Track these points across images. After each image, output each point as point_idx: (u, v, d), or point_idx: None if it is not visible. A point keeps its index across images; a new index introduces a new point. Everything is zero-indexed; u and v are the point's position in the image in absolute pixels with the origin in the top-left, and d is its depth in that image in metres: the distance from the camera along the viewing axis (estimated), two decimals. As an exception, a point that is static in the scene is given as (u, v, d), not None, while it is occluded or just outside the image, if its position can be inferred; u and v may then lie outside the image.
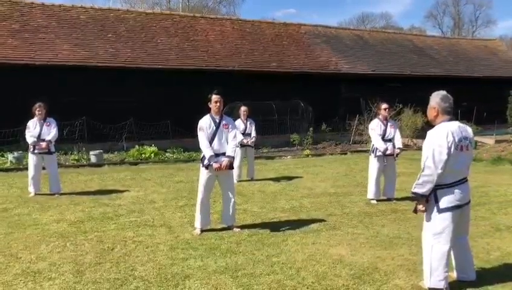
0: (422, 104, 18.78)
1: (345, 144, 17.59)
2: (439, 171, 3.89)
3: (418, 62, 22.14)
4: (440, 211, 4.02)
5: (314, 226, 6.40)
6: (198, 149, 15.64)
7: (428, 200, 4.06)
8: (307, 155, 15.07)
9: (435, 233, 4.05)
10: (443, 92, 4.14)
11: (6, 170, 11.36)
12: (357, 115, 18.05)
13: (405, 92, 18.66)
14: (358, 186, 9.41)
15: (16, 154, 11.96)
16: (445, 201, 4.00)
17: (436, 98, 4.10)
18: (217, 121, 5.90)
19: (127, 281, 4.37)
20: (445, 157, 3.87)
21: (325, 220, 6.69)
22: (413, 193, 4.08)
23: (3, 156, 12.65)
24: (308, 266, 4.76)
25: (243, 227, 6.25)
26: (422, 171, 3.97)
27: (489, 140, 17.31)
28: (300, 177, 10.72)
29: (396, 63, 21.36)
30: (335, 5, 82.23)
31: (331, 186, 9.42)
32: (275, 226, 6.36)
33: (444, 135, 3.92)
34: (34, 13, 16.22)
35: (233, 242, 5.56)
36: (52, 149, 8.54)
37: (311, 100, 17.52)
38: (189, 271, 4.62)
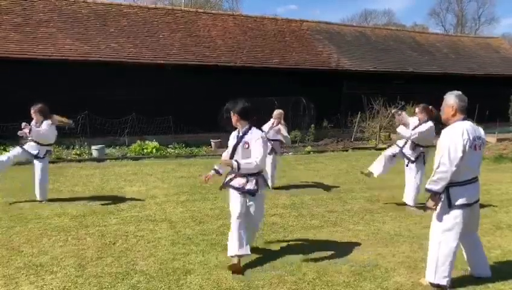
0: (424, 102, 18.80)
1: (347, 141, 17.57)
2: (454, 168, 3.94)
3: (421, 59, 22.07)
4: (451, 208, 4.07)
5: (315, 222, 6.41)
6: (199, 145, 15.66)
7: (441, 197, 4.11)
8: (309, 152, 15.08)
9: (445, 230, 4.09)
10: (458, 92, 4.21)
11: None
12: (359, 112, 18.03)
13: (407, 89, 18.64)
14: (359, 183, 9.40)
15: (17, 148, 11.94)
16: (457, 199, 4.06)
17: (453, 97, 4.16)
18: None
19: (128, 276, 4.39)
20: (460, 154, 3.93)
21: (326, 217, 6.70)
22: (428, 189, 4.12)
23: (6, 150, 12.65)
24: (309, 261, 4.78)
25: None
26: (437, 168, 4.02)
27: (491, 138, 17.26)
28: (302, 173, 10.72)
29: (398, 60, 21.30)
30: (337, 1, 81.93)
31: (332, 183, 9.41)
32: (276, 222, 6.37)
33: (459, 133, 3.98)
34: (36, 7, 16.19)
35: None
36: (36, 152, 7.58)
37: (313, 97, 17.47)
38: (191, 266, 4.64)
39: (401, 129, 7.29)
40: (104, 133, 14.64)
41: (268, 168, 8.38)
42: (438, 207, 4.14)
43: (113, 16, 17.37)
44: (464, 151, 3.93)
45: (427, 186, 4.12)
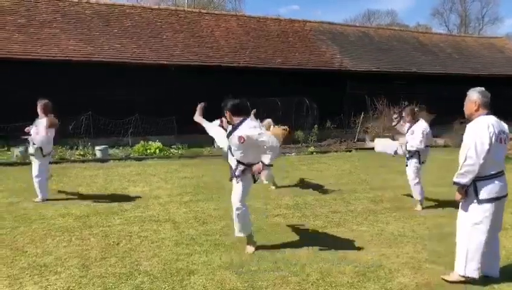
0: (427, 102, 18.68)
1: (350, 142, 17.55)
2: (481, 161, 4.01)
3: (424, 60, 22.03)
4: (480, 202, 4.13)
5: (318, 223, 6.40)
6: (202, 145, 15.66)
7: (467, 191, 4.15)
8: (312, 152, 15.06)
9: (474, 223, 4.15)
10: (481, 88, 4.29)
11: (12, 164, 11.41)
12: (362, 113, 18.00)
13: (410, 90, 18.61)
14: (362, 184, 9.39)
15: (21, 148, 11.99)
16: (485, 192, 4.11)
17: (476, 93, 4.24)
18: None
19: (132, 276, 4.39)
20: (487, 147, 3.99)
21: (329, 217, 6.69)
22: (455, 182, 4.17)
23: (9, 151, 12.71)
24: (312, 262, 4.77)
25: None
26: (464, 161, 4.07)
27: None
28: (305, 174, 10.71)
29: (401, 61, 21.27)
30: (339, 2, 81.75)
31: (335, 184, 9.40)
32: (279, 223, 6.37)
33: (485, 126, 4.05)
34: (39, 8, 16.24)
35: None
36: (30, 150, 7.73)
37: (316, 97, 17.46)
38: (194, 266, 4.64)
39: (412, 145, 7.25)
40: (107, 134, 14.67)
41: None
42: (464, 200, 4.20)
43: (116, 16, 17.42)
44: (490, 144, 4.00)
45: (455, 179, 4.17)
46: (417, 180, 7.27)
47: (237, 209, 5.02)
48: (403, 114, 7.67)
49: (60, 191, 8.25)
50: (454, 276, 4.27)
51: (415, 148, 7.18)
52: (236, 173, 5.03)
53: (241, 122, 4.97)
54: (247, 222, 5.18)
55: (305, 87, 17.50)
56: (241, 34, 19.18)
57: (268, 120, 8.94)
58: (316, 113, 17.59)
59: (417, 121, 7.34)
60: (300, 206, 7.36)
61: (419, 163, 7.29)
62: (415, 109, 7.61)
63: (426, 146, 7.27)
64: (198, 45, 17.46)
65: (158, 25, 17.83)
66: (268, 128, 8.66)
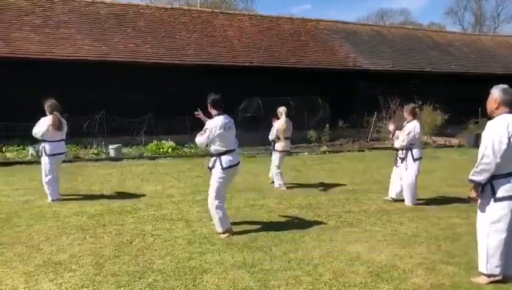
0: (441, 101, 18.43)
1: (363, 141, 17.46)
2: (498, 160, 3.98)
3: (438, 59, 21.82)
4: (496, 200, 4.10)
5: (331, 222, 6.38)
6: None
7: (484, 190, 4.14)
8: (324, 152, 15.01)
9: (492, 222, 4.12)
10: (504, 85, 4.24)
11: (28, 162, 11.55)
12: (375, 112, 17.89)
13: (424, 89, 18.43)
14: (376, 184, 9.33)
15: (36, 147, 12.13)
16: (502, 191, 4.08)
17: (498, 91, 4.20)
18: None
19: (145, 274, 4.42)
20: (504, 146, 3.96)
21: (342, 217, 6.66)
22: (471, 180, 4.16)
23: (24, 149, 12.87)
24: (325, 262, 4.75)
25: (259, 223, 6.26)
26: (481, 159, 4.05)
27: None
28: (318, 173, 10.68)
29: (415, 60, 21.09)
30: (351, 0, 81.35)
31: (348, 183, 9.36)
32: (292, 223, 6.36)
33: (504, 125, 4.01)
34: (55, 8, 16.44)
35: (250, 237, 5.58)
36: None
37: (329, 96, 17.41)
38: (207, 265, 4.65)
39: (397, 143, 7.59)
40: (121, 133, 14.78)
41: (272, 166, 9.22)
42: (479, 200, 4.18)
43: (130, 16, 17.56)
44: (508, 144, 3.96)
45: (470, 177, 4.15)
46: (414, 183, 7.41)
47: (212, 204, 5.70)
48: (404, 114, 7.73)
49: (74, 190, 8.33)
50: (482, 278, 4.25)
51: (397, 146, 7.52)
52: (210, 165, 5.81)
53: (215, 116, 5.80)
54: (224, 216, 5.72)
55: (317, 87, 17.46)
56: (254, 34, 19.18)
57: (283, 108, 9.13)
58: (328, 112, 17.52)
59: (412, 120, 7.45)
60: (313, 206, 7.35)
61: (413, 161, 7.41)
62: (416, 109, 7.71)
63: (411, 144, 7.38)
64: (211, 45, 17.51)
65: (171, 25, 17.93)
66: (282, 114, 9.03)
